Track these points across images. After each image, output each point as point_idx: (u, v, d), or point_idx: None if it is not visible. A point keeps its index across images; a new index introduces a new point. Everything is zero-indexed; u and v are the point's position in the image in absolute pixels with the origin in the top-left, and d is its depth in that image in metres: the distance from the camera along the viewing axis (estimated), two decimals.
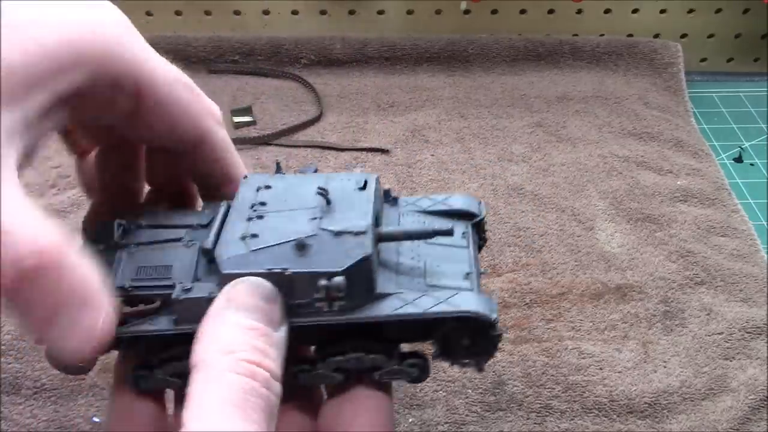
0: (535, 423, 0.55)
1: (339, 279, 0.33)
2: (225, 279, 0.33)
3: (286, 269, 0.33)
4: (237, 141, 0.77)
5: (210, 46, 0.87)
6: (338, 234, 0.34)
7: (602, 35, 0.95)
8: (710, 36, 0.97)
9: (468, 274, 0.37)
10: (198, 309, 0.33)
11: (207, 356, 0.29)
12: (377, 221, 0.37)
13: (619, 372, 0.58)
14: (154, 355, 0.36)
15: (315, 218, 0.35)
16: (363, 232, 0.34)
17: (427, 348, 0.38)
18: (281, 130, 0.79)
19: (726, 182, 0.76)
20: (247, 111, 0.82)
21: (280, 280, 0.33)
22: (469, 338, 0.36)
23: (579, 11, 0.95)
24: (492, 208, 0.72)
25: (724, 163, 0.82)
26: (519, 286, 0.64)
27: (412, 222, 0.40)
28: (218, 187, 0.41)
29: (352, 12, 0.94)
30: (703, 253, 0.68)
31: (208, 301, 0.33)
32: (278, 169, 0.41)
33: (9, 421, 0.53)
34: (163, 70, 0.38)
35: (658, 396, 0.56)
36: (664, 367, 0.59)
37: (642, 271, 0.66)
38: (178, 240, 0.38)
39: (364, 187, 0.37)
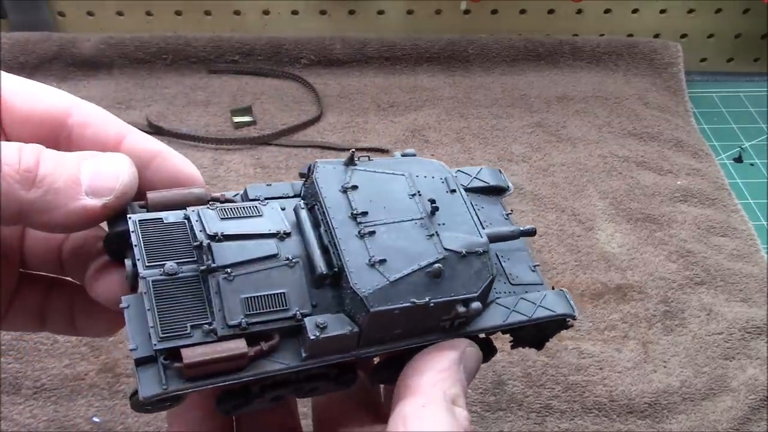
0: (535, 423, 0.55)
1: (477, 304, 0.34)
2: (372, 316, 0.32)
3: (429, 301, 0.33)
4: (237, 141, 0.77)
5: (210, 46, 0.87)
6: (465, 255, 0.35)
7: (602, 35, 0.95)
8: (710, 36, 0.97)
9: (534, 267, 0.40)
10: (333, 344, 0.33)
11: (431, 394, 0.33)
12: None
13: (619, 372, 0.58)
14: (256, 385, 0.34)
15: (431, 234, 0.35)
16: (486, 251, 0.35)
17: None
18: (281, 130, 0.79)
19: (726, 182, 0.76)
20: (247, 111, 0.82)
21: (418, 310, 0.33)
22: (542, 330, 0.40)
23: (579, 11, 0.95)
24: None
25: (724, 163, 0.82)
26: None
27: (472, 205, 0.40)
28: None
29: (352, 12, 0.94)
30: (703, 253, 0.68)
31: (346, 337, 0.32)
32: (351, 161, 0.37)
33: (9, 421, 0.53)
34: None
35: (658, 396, 0.56)
36: (664, 367, 0.59)
37: (642, 271, 0.66)
38: (274, 257, 0.33)
39: (455, 190, 0.38)
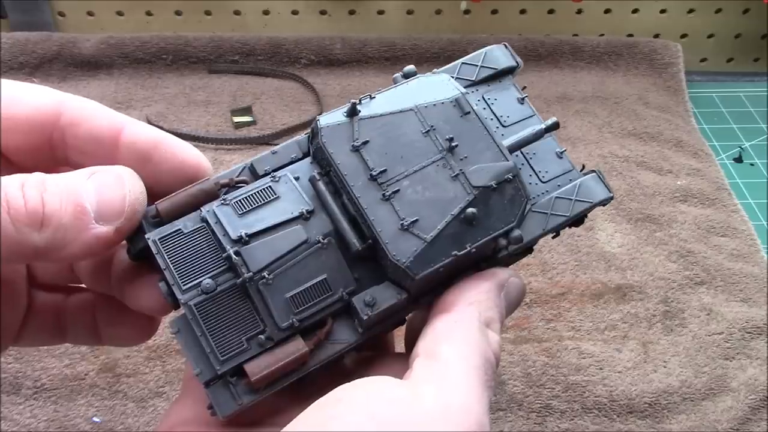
0: (535, 423, 0.55)
1: (517, 233, 0.34)
2: (419, 282, 0.32)
3: (471, 247, 0.32)
4: (237, 141, 0.77)
5: (210, 46, 0.87)
6: (495, 187, 0.33)
7: (602, 35, 0.95)
8: (710, 36, 0.97)
9: (560, 154, 0.39)
10: (386, 314, 0.33)
11: (466, 312, 0.33)
12: None
13: (619, 372, 0.58)
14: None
15: (456, 174, 0.33)
16: (515, 176, 0.34)
17: None
18: (281, 130, 0.79)
19: (726, 182, 0.76)
20: (247, 111, 0.82)
21: (462, 257, 0.33)
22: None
23: (579, 11, 0.95)
24: None
25: (724, 163, 0.82)
26: None
27: (477, 106, 0.37)
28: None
29: (352, 12, 0.94)
30: (703, 253, 0.68)
31: (399, 304, 0.32)
32: (352, 109, 0.34)
33: (9, 421, 0.53)
34: None
35: (658, 396, 0.56)
36: (664, 367, 0.59)
37: (642, 271, 0.66)
38: (305, 243, 0.32)
39: (468, 112, 0.35)
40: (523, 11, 0.95)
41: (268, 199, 0.33)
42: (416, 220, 0.32)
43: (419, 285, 0.33)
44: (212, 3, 0.93)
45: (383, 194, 0.32)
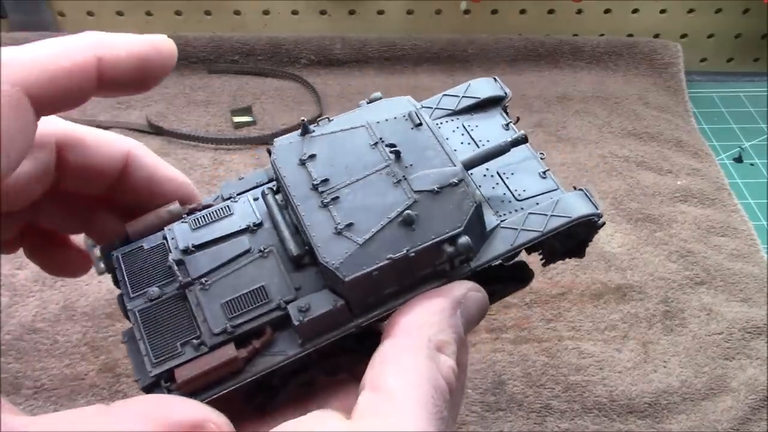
0: (535, 423, 0.55)
1: (464, 239, 0.32)
2: (349, 285, 0.31)
3: (408, 251, 0.31)
4: (237, 141, 0.77)
5: (210, 46, 0.87)
6: (438, 191, 0.32)
7: (602, 35, 0.95)
8: (710, 36, 0.97)
9: (545, 172, 0.37)
10: (324, 323, 0.32)
11: (415, 336, 0.30)
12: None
13: (619, 372, 0.58)
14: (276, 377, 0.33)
15: (398, 181, 0.32)
16: (461, 179, 0.32)
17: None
18: (281, 130, 0.79)
19: (726, 182, 0.76)
20: (247, 111, 0.82)
21: (401, 263, 0.31)
22: (573, 237, 0.36)
23: (579, 11, 0.95)
24: None
25: (724, 163, 0.82)
26: None
27: (453, 131, 0.38)
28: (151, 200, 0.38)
29: (352, 12, 0.94)
30: (703, 253, 0.68)
31: (334, 312, 0.31)
32: (305, 130, 0.36)
33: None
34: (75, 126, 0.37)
35: (658, 396, 0.56)
36: (664, 367, 0.59)
37: (642, 271, 0.66)
38: (248, 252, 0.33)
39: (420, 123, 0.35)
40: (523, 11, 0.95)
41: (223, 216, 0.35)
42: (351, 224, 0.32)
43: (354, 292, 0.32)
44: (212, 3, 0.93)
45: (322, 201, 0.32)
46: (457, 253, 0.32)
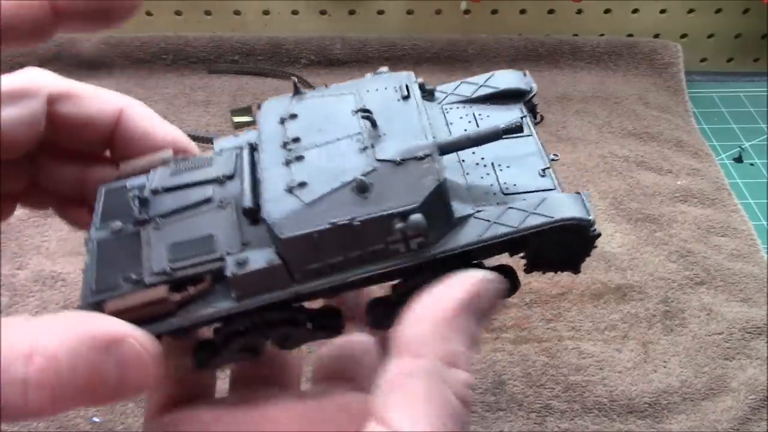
0: (535, 423, 0.55)
1: (416, 217, 0.28)
2: (286, 244, 0.29)
3: (353, 219, 0.29)
4: None
5: (210, 46, 0.87)
6: (401, 163, 0.29)
7: (602, 35, 0.95)
8: (710, 36, 0.97)
9: (544, 170, 0.33)
10: (260, 280, 0.30)
11: (422, 354, 0.27)
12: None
13: (619, 372, 0.58)
14: (217, 335, 0.32)
15: (365, 147, 0.30)
16: (428, 155, 0.30)
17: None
18: None
19: (726, 182, 0.76)
20: (247, 111, 0.82)
21: (346, 231, 0.29)
22: (564, 245, 0.32)
23: (579, 11, 0.95)
24: None
25: (724, 163, 0.82)
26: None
27: (461, 117, 0.35)
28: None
29: (352, 12, 0.94)
30: (703, 253, 0.68)
31: (271, 271, 0.29)
32: (297, 91, 0.35)
33: None
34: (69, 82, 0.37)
35: (658, 396, 0.56)
36: (664, 367, 0.59)
37: (642, 271, 0.66)
38: (209, 201, 0.33)
39: (408, 96, 0.33)
40: (523, 11, 0.95)
41: (202, 166, 0.35)
42: (304, 183, 0.30)
43: (292, 252, 0.30)
44: (212, 3, 0.93)
45: (286, 159, 0.31)
46: (408, 231, 0.29)
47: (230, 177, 0.33)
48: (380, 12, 0.94)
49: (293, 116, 0.33)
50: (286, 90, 0.34)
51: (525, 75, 0.37)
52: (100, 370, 0.26)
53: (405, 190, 0.29)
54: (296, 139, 0.32)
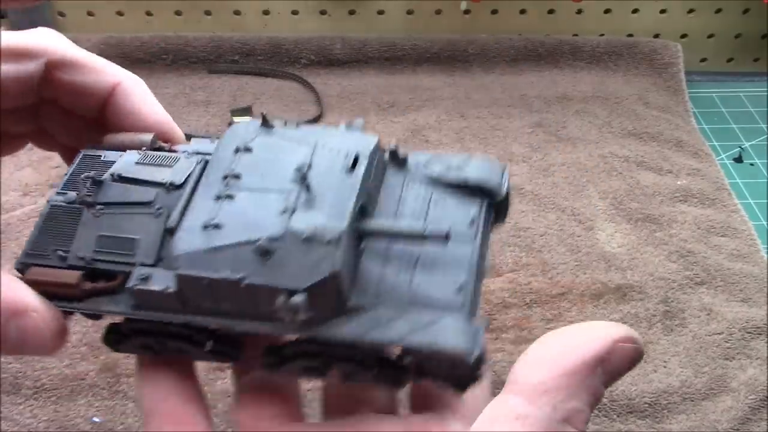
0: None
1: (298, 299, 0.28)
2: (181, 278, 0.30)
3: (242, 279, 0.29)
4: None
5: (210, 46, 0.87)
6: (307, 240, 0.29)
7: (602, 35, 0.95)
8: (710, 36, 0.97)
9: (461, 288, 0.31)
10: (155, 300, 0.31)
11: (538, 403, 0.26)
12: (365, 207, 0.32)
13: None
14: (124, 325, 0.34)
15: (287, 210, 0.30)
16: (337, 240, 0.29)
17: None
18: None
19: (726, 182, 0.76)
20: (247, 111, 0.82)
21: (236, 287, 0.29)
22: (449, 367, 0.30)
23: (579, 11, 0.95)
24: None
25: (724, 163, 0.82)
26: (519, 286, 0.64)
27: (416, 197, 0.34)
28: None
29: (352, 12, 0.94)
30: (703, 253, 0.68)
31: (165, 296, 0.31)
32: (264, 122, 0.35)
33: (9, 421, 0.53)
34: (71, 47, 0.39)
35: (658, 396, 0.56)
36: (664, 367, 0.59)
37: (642, 271, 0.66)
38: (148, 204, 0.34)
39: (354, 167, 0.32)
40: (523, 11, 0.95)
41: (164, 164, 0.36)
42: (219, 226, 0.30)
43: (185, 288, 0.30)
44: (212, 3, 0.93)
45: (218, 193, 0.32)
46: (287, 310, 0.29)
47: (178, 186, 0.34)
48: (380, 12, 0.94)
49: (248, 150, 0.33)
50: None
51: (504, 171, 0.35)
52: (3, 332, 0.29)
53: (299, 269, 0.29)
54: (237, 176, 0.32)
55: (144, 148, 0.37)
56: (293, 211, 0.30)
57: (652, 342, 0.60)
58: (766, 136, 0.86)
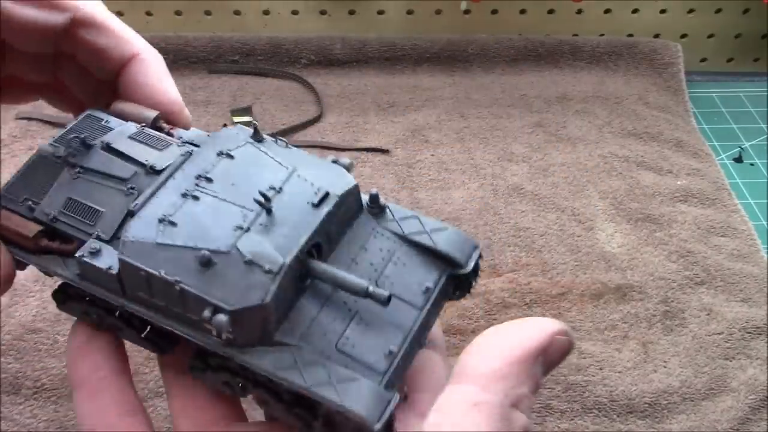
0: (535, 423, 0.55)
1: (221, 318, 0.28)
2: (122, 264, 0.30)
3: (177, 283, 0.29)
4: None
5: (210, 46, 0.87)
6: (249, 263, 0.29)
7: (602, 35, 0.95)
8: (710, 36, 0.97)
9: (390, 353, 0.30)
10: (98, 276, 0.32)
11: (491, 390, 0.27)
12: (320, 245, 0.32)
13: (619, 372, 0.58)
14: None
15: (241, 227, 0.30)
16: (275, 272, 0.29)
17: None
18: (281, 130, 0.79)
19: (726, 182, 0.76)
20: (247, 111, 0.82)
21: (171, 288, 0.30)
22: (352, 428, 0.30)
23: (579, 11, 0.95)
24: (492, 208, 0.72)
25: (724, 163, 0.82)
26: (519, 286, 0.64)
27: (380, 249, 0.34)
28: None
29: (352, 12, 0.94)
30: (703, 253, 0.68)
31: (107, 275, 0.31)
32: (255, 133, 0.35)
33: (9, 421, 0.53)
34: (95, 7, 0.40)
35: (658, 396, 0.56)
36: (664, 367, 0.59)
37: (642, 271, 0.66)
38: (123, 181, 0.34)
39: (317, 205, 0.32)
40: (523, 11, 0.95)
41: (155, 146, 0.36)
42: (174, 224, 0.31)
43: (125, 274, 0.31)
44: (212, 3, 0.93)
45: (186, 190, 0.32)
46: (211, 324, 0.29)
47: (157, 171, 0.35)
48: (380, 12, 0.94)
49: (230, 156, 0.34)
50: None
51: (474, 249, 0.34)
52: None
53: (233, 289, 0.29)
54: (209, 179, 0.32)
55: (143, 125, 0.38)
56: (247, 230, 0.30)
57: (652, 342, 0.60)
58: (766, 136, 0.86)
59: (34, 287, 0.61)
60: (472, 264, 0.34)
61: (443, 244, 0.34)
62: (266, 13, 0.94)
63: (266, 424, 0.35)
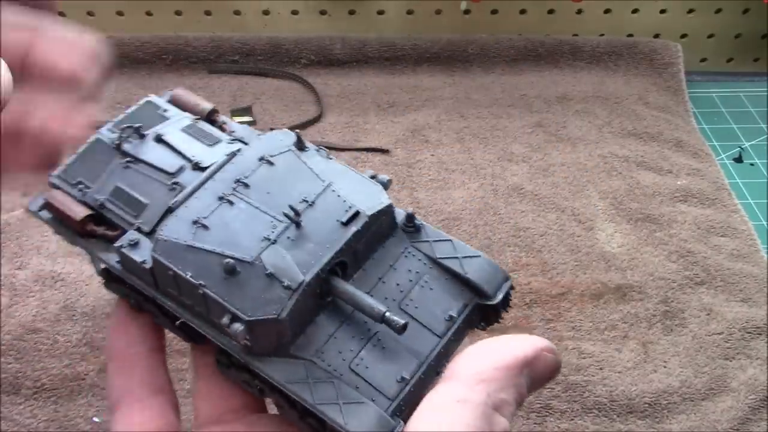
0: (535, 423, 0.55)
1: (237, 327, 0.29)
2: (154, 261, 0.31)
3: (202, 287, 0.30)
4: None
5: (210, 46, 0.87)
6: (270, 276, 0.30)
7: (602, 35, 0.95)
8: (710, 36, 0.97)
9: (402, 380, 0.30)
10: (135, 267, 0.32)
11: (474, 390, 0.28)
12: (345, 264, 0.32)
13: (619, 372, 0.58)
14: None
15: (269, 238, 0.30)
16: (294, 288, 0.29)
17: None
18: None
19: (726, 182, 0.76)
20: (247, 111, 0.82)
21: (196, 290, 0.30)
22: None
23: (579, 11, 0.95)
24: (492, 208, 0.72)
25: (724, 163, 0.82)
26: (519, 286, 0.64)
27: (409, 270, 0.33)
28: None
29: (352, 12, 0.94)
30: (703, 253, 0.68)
31: (142, 268, 0.32)
32: (299, 141, 0.35)
33: (9, 421, 0.53)
34: None
35: (658, 396, 0.56)
36: (664, 367, 0.59)
37: (642, 271, 0.66)
38: (169, 175, 0.34)
39: (347, 224, 0.32)
40: (523, 11, 0.95)
41: (205, 142, 0.36)
42: (206, 227, 0.31)
43: (157, 269, 0.32)
44: (212, 3, 0.93)
45: (223, 195, 0.32)
46: (228, 330, 0.29)
47: (202, 168, 0.35)
48: (380, 12, 0.94)
49: (270, 163, 0.34)
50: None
51: (506, 280, 0.33)
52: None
53: (252, 300, 0.29)
54: (246, 185, 0.33)
55: (198, 117, 0.38)
56: (274, 242, 0.31)
57: (652, 342, 0.60)
58: (766, 136, 0.86)
59: (34, 287, 0.61)
60: (501, 296, 0.33)
61: (472, 273, 0.33)
62: (266, 13, 0.94)
63: (280, 418, 0.35)
